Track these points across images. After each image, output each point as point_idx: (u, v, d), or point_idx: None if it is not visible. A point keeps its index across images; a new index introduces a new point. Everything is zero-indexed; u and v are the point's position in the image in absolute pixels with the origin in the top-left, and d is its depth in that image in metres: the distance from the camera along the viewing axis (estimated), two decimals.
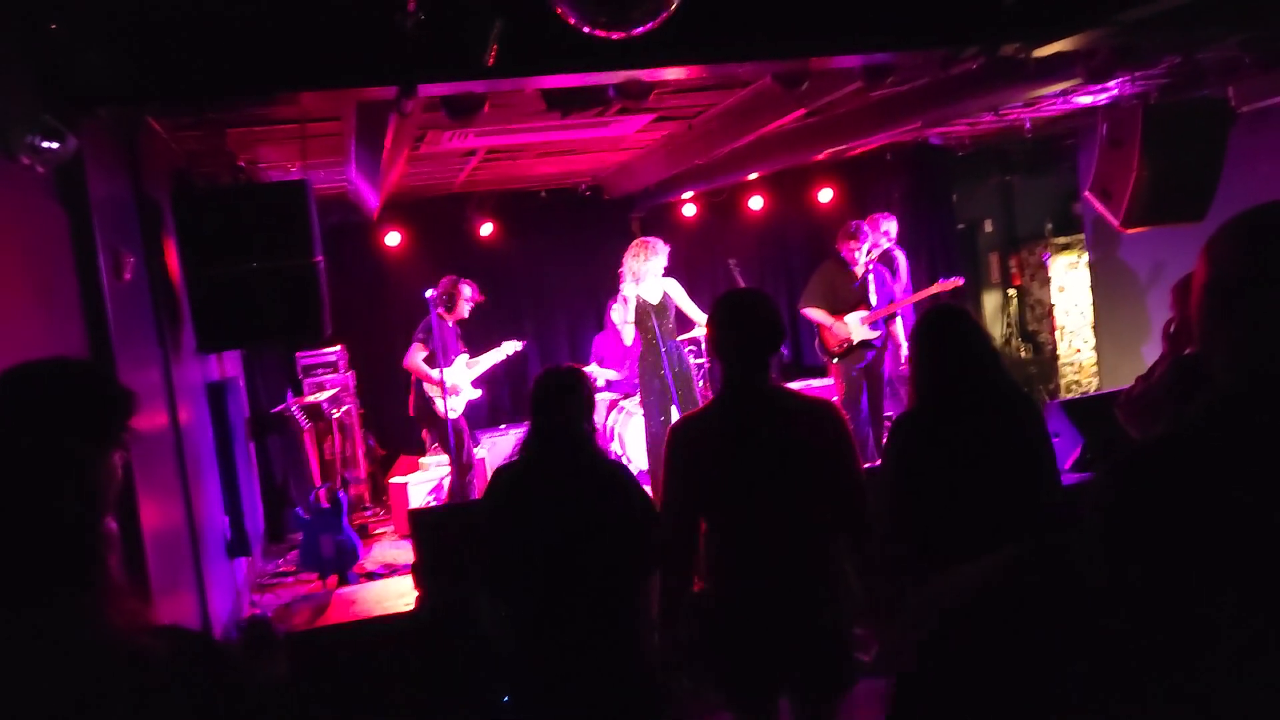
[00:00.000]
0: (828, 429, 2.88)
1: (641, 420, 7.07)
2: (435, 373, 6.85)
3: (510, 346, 7.54)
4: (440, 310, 6.76)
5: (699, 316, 6.79)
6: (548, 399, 3.02)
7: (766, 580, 2.85)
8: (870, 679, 3.07)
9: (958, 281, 7.47)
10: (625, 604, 2.96)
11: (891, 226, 7.72)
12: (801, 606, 2.84)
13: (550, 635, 2.95)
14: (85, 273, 3.73)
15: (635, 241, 6.75)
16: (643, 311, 6.58)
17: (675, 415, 6.49)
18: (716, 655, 2.94)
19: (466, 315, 7.09)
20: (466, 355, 7.25)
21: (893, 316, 7.31)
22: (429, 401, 7.01)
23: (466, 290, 7.01)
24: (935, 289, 7.38)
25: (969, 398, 2.97)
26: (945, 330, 3.03)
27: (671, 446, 2.94)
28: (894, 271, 7.67)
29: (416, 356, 6.92)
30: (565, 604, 2.93)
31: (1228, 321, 1.31)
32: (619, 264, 6.73)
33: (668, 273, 6.76)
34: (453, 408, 6.77)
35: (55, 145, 2.97)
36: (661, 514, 2.97)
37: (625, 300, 6.63)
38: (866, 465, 3.46)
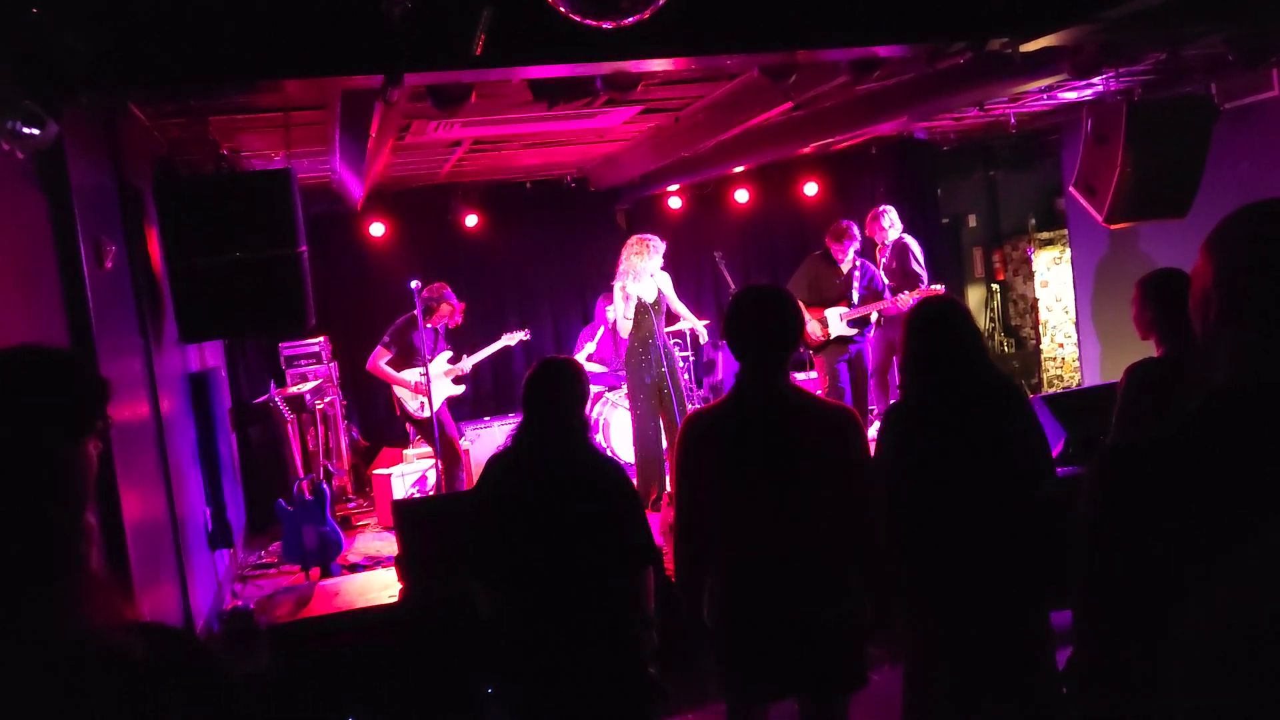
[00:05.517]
0: (842, 437, 2.85)
1: (626, 413, 7.06)
2: (406, 375, 6.84)
3: (512, 337, 7.51)
4: (417, 312, 6.74)
5: (684, 312, 6.92)
6: (543, 390, 2.98)
7: (767, 576, 2.86)
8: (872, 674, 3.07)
9: (939, 290, 7.45)
10: (615, 598, 2.95)
11: (892, 218, 7.62)
12: (802, 603, 2.85)
13: (539, 627, 2.94)
14: (66, 261, 3.69)
15: (636, 239, 6.67)
16: (640, 309, 6.57)
17: (672, 409, 6.54)
18: (721, 650, 2.96)
19: (440, 328, 7.07)
20: (448, 352, 7.21)
21: (873, 316, 7.30)
22: (400, 403, 7.02)
23: (447, 308, 6.97)
24: (914, 297, 7.38)
25: (959, 389, 2.99)
26: (935, 323, 3.04)
27: (683, 438, 2.97)
28: (910, 260, 7.57)
29: (379, 360, 6.92)
30: (554, 596, 2.92)
31: (1233, 322, 1.29)
32: (605, 256, 6.71)
33: None
34: (429, 404, 6.74)
35: (35, 131, 2.94)
36: (675, 500, 3.00)
37: (627, 297, 6.58)
38: None
